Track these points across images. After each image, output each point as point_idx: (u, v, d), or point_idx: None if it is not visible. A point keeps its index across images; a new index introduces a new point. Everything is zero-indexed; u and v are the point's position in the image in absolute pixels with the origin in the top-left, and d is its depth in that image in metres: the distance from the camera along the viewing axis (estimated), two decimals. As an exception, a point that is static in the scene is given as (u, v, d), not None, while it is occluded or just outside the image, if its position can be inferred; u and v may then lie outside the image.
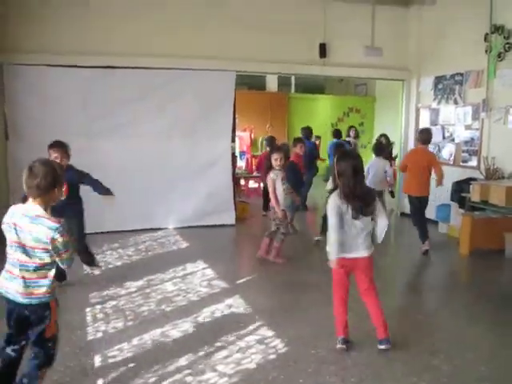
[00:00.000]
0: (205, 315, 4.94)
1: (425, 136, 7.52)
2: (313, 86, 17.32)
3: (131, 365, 3.89)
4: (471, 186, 7.59)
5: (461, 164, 8.87)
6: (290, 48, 9.21)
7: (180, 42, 8.54)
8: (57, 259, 3.05)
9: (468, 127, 8.80)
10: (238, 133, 12.42)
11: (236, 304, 5.24)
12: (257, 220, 9.77)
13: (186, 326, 4.68)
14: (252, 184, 12.68)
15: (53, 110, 7.84)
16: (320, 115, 15.95)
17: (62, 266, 3.10)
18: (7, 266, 3.11)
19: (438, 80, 9.52)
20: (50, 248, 2.98)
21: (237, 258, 7.69)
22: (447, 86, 9.30)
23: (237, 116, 9.52)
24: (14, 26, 7.79)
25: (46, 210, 3.03)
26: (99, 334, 4.48)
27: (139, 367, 3.85)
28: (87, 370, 3.82)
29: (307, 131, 10.87)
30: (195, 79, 8.52)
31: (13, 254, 3.07)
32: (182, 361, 3.99)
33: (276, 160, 6.52)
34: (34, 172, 2.97)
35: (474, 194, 7.46)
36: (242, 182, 12.09)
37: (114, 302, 5.26)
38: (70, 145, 5.48)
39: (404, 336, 4.48)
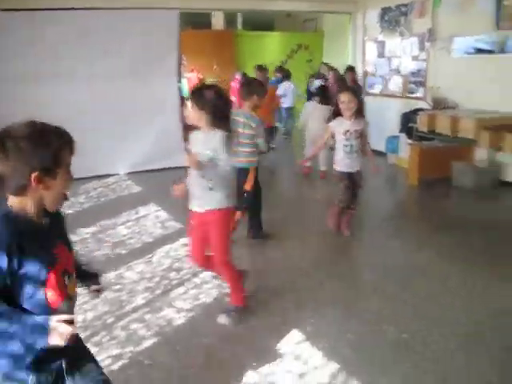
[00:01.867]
0: (160, 255, 4.97)
1: None
2: (261, 23, 16.98)
3: (87, 307, 3.90)
4: (418, 117, 7.69)
5: (408, 95, 8.98)
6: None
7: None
8: None
9: (414, 58, 8.86)
10: (185, 74, 12.21)
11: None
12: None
13: (141, 267, 4.70)
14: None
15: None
16: (269, 53, 15.74)
17: None
18: None
19: (384, 12, 9.49)
20: None
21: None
22: (393, 18, 9.28)
23: (183, 57, 9.30)
24: None
25: None
26: (54, 280, 4.45)
27: (96, 310, 3.87)
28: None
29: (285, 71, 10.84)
30: (137, 19, 8.20)
31: None
32: (139, 300, 4.04)
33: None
34: None
35: (421, 124, 7.57)
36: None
37: (67, 249, 5.21)
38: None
39: (355, 263, 4.62)
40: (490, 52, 7.44)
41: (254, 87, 4.91)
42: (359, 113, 5.19)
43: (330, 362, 3.17)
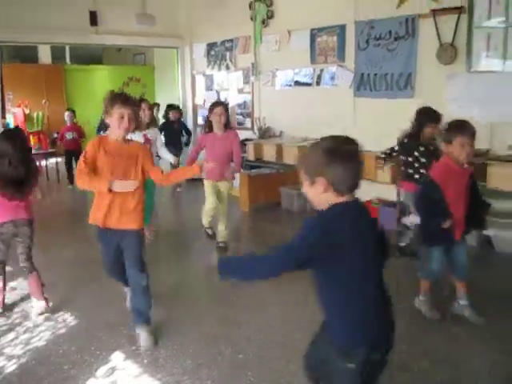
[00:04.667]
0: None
1: None
2: (89, 57, 16.73)
3: None
4: (246, 147, 8.08)
5: (236, 126, 9.38)
6: (59, 15, 8.81)
7: None
8: None
9: (241, 91, 9.32)
10: (11, 109, 11.75)
11: (19, 286, 5.03)
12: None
13: (-35, 315, 4.39)
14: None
15: None
16: (99, 86, 15.53)
17: None
18: None
19: (210, 47, 9.88)
20: None
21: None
22: (219, 53, 9.70)
23: (8, 92, 8.92)
24: None
25: None
26: None
27: None
28: None
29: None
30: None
31: None
32: (-36, 350, 3.77)
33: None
34: None
35: (250, 154, 7.97)
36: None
37: None
38: None
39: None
40: (307, 84, 8.08)
41: None
42: None
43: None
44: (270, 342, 3.77)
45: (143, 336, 3.74)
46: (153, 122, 6.23)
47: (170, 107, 9.43)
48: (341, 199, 2.06)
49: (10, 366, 3.54)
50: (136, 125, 3.71)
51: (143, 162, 3.66)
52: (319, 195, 2.08)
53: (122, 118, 3.50)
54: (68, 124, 9.91)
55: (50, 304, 4.42)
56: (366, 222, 2.15)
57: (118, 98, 3.54)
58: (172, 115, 9.23)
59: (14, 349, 3.77)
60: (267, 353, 3.63)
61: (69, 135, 9.74)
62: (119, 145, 3.61)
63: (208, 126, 5.71)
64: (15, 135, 4.24)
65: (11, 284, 4.95)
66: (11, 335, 3.99)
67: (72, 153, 9.42)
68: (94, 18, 9.25)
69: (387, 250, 2.31)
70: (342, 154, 2.01)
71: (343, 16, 7.36)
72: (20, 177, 4.05)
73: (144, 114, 5.66)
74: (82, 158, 3.50)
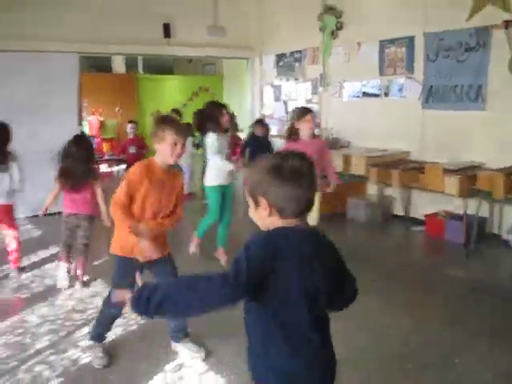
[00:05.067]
0: (62, 297, 4.94)
1: None
2: (161, 67, 17.27)
3: (-10, 353, 3.86)
4: (313, 156, 8.13)
5: (304, 136, 9.47)
6: (135, 28, 9.18)
7: (15, 22, 8.18)
8: None
9: (308, 101, 9.41)
10: (86, 117, 12.19)
11: (92, 284, 5.30)
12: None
13: (44, 310, 4.66)
14: (105, 168, 12.45)
15: None
16: (170, 95, 15.99)
17: None
18: None
19: (279, 58, 10.04)
20: None
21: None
22: (288, 64, 9.84)
23: (83, 100, 9.34)
24: None
25: None
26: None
27: (2, 351, 3.83)
28: None
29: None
30: (34, 62, 8.20)
31: None
32: (43, 342, 4.01)
33: None
34: None
35: (316, 163, 8.02)
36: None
37: (-37, 297, 5.07)
38: None
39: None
40: (375, 95, 8.09)
41: None
42: None
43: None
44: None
45: (188, 351, 3.75)
46: (232, 128, 6.28)
47: (258, 122, 9.28)
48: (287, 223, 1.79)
49: (85, 358, 3.76)
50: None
51: (178, 194, 3.54)
52: (264, 219, 1.82)
53: (176, 144, 3.30)
54: (131, 136, 9.37)
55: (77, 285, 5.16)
56: (312, 249, 1.82)
57: (171, 124, 3.34)
58: (259, 131, 8.98)
59: (88, 343, 3.99)
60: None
61: (132, 149, 9.15)
62: (164, 173, 3.41)
63: (293, 132, 5.46)
64: (80, 140, 5.28)
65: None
66: (85, 329, 4.22)
67: None
68: (167, 31, 9.57)
69: (346, 290, 2.00)
70: (284, 172, 1.75)
71: (412, 27, 7.34)
72: (78, 174, 5.01)
73: (224, 120, 5.75)
74: (123, 189, 3.32)
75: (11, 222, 5.56)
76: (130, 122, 9.51)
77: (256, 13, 10.40)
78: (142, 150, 9.15)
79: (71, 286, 5.14)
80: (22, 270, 5.63)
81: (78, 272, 5.19)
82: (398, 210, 7.74)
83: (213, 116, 5.62)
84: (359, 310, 3.09)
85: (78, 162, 5.03)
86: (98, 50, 9.42)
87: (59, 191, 5.17)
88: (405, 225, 7.40)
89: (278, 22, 9.84)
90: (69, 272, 5.20)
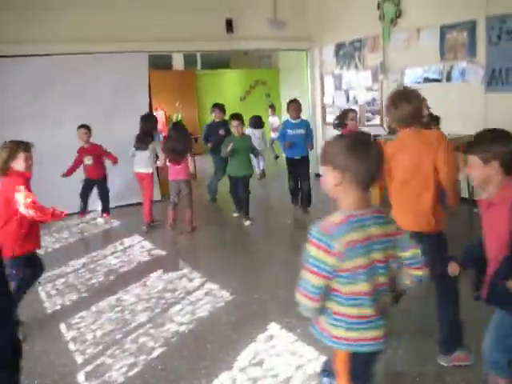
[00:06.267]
0: (153, 279, 5.37)
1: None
2: (218, 61, 17.64)
3: (94, 327, 4.28)
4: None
5: (366, 123, 9.64)
6: (198, 25, 9.50)
7: (87, 26, 8.63)
8: None
9: (369, 89, 9.57)
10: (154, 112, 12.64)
11: (179, 266, 5.71)
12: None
13: (137, 290, 5.09)
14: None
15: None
16: (228, 90, 16.39)
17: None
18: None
19: (339, 47, 10.21)
20: None
21: (170, 229, 7.91)
22: (347, 53, 10.01)
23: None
24: None
25: None
26: (57, 307, 4.81)
27: (103, 329, 4.25)
28: (55, 336, 4.18)
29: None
30: (107, 63, 8.67)
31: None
32: (142, 318, 4.42)
33: None
34: None
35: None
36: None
37: (63, 279, 5.53)
38: None
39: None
40: (437, 80, 8.19)
41: None
42: None
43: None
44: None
45: None
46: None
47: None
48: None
49: (182, 331, 4.14)
50: None
51: None
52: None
53: None
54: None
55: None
56: None
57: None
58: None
59: (182, 318, 4.38)
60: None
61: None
62: None
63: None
64: (177, 126, 7.48)
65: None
66: (178, 307, 4.62)
67: None
68: (229, 26, 9.88)
69: None
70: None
71: (473, 11, 7.39)
72: (177, 150, 6.83)
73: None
74: None
75: (149, 186, 7.40)
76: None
77: (315, 4, 10.58)
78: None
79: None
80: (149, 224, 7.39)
81: (187, 218, 7.05)
82: (463, 193, 7.83)
83: None
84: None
85: (177, 142, 6.82)
86: (164, 48, 9.83)
87: (165, 163, 7.13)
88: (469, 207, 7.50)
89: (337, 12, 9.99)
90: (174, 221, 7.06)
